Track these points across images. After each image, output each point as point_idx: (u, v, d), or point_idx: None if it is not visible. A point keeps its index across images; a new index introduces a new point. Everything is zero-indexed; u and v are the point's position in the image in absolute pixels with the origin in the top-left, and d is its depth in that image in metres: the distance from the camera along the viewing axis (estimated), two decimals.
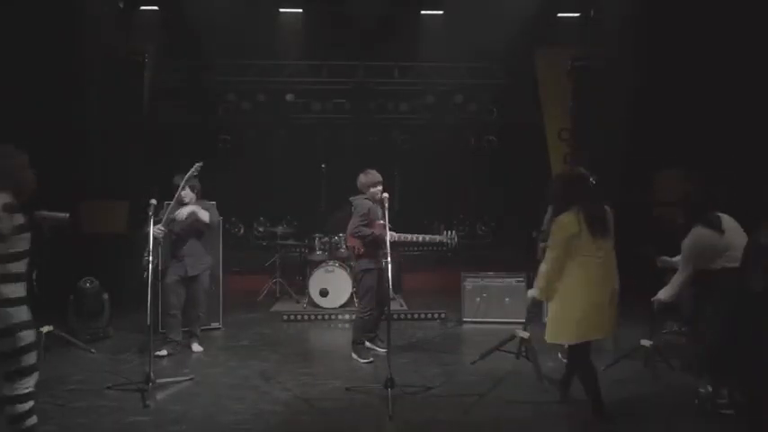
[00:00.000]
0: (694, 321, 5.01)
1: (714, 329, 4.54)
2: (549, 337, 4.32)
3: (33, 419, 3.40)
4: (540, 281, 4.33)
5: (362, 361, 5.89)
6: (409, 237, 5.90)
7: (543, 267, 4.31)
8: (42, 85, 7.73)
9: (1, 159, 3.37)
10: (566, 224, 4.13)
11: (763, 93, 6.69)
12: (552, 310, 4.33)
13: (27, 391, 3.37)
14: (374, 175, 5.89)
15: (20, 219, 3.33)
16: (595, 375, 4.27)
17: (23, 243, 3.35)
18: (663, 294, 4.83)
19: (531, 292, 4.61)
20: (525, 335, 5.23)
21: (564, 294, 4.20)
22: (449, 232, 5.98)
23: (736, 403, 4.38)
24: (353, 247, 5.95)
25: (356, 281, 6.88)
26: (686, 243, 4.70)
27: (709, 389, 4.44)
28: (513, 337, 5.32)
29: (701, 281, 4.74)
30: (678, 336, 6.79)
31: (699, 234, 4.63)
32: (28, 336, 3.35)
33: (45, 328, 5.59)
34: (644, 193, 9.40)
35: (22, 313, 3.33)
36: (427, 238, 5.97)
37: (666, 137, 8.58)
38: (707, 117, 7.63)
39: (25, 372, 3.35)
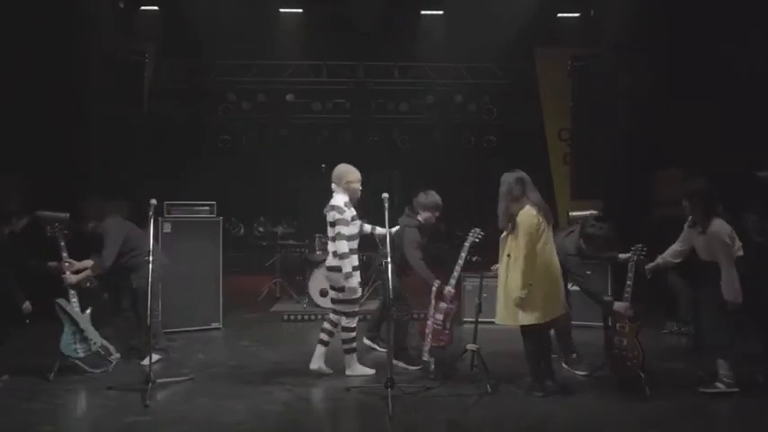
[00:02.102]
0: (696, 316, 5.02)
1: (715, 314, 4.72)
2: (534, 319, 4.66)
3: (355, 344, 5.29)
4: (523, 279, 4.61)
5: (412, 368, 5.54)
6: (458, 268, 5.62)
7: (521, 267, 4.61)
8: (42, 86, 7.72)
9: (346, 173, 5.44)
10: (532, 218, 4.61)
11: (763, 92, 6.68)
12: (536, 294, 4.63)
13: (353, 325, 5.25)
14: (434, 196, 6.01)
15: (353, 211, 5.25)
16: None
17: (355, 228, 5.32)
18: (730, 296, 4.65)
19: (520, 294, 4.66)
20: (474, 347, 5.31)
21: (541, 280, 4.64)
22: (475, 230, 5.81)
23: (741, 382, 4.67)
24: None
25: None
26: (722, 237, 4.65)
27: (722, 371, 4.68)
28: (465, 350, 5.40)
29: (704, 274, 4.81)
30: (679, 336, 6.81)
31: (725, 225, 4.71)
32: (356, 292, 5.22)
33: None
34: (643, 193, 9.40)
35: (355, 278, 5.19)
36: (464, 251, 5.68)
37: (666, 136, 8.58)
38: (707, 116, 7.63)
39: (352, 314, 5.26)
